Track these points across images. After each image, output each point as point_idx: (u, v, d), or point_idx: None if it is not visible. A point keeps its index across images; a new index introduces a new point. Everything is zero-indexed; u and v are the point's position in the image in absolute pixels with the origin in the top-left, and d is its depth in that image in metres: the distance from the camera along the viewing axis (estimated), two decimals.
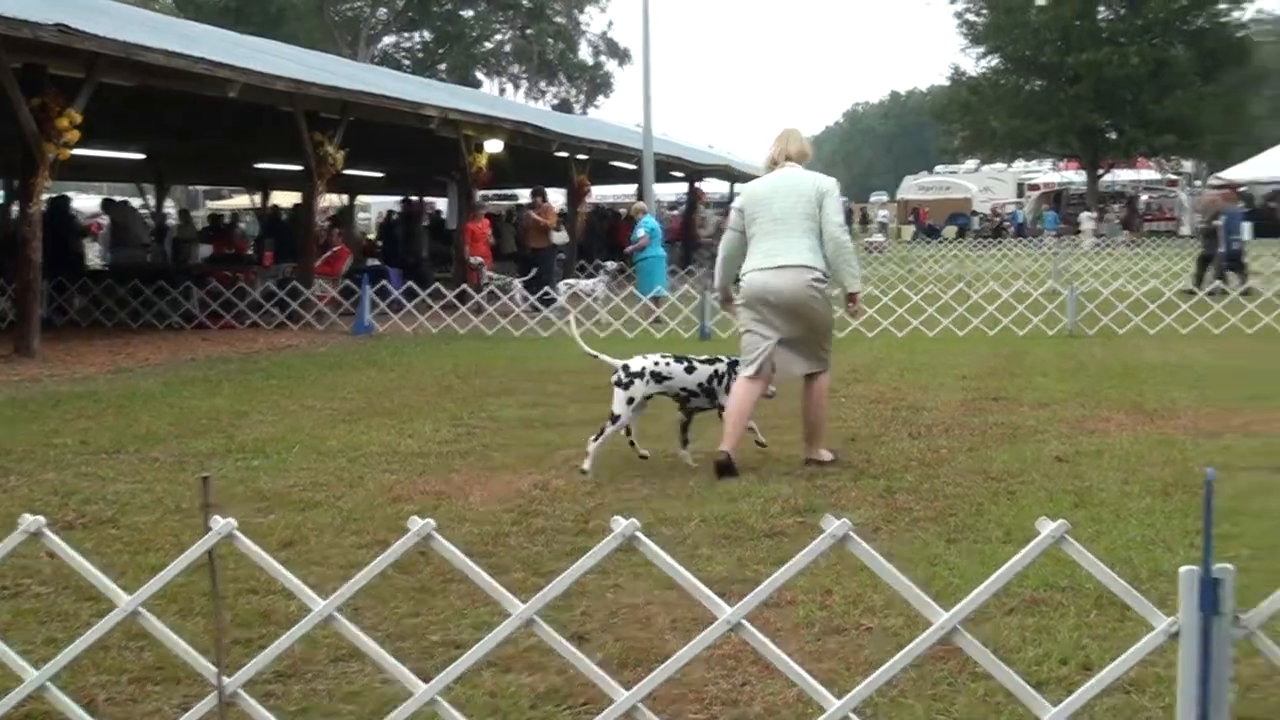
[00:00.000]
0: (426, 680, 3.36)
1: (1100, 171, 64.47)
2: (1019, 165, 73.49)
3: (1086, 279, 29.47)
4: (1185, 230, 61.68)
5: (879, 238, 55.19)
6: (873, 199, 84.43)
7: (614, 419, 8.55)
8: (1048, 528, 2.96)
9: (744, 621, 3.10)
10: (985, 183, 73.25)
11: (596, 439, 8.52)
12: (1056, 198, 67.45)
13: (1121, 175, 68.88)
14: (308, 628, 3.39)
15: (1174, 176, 67.93)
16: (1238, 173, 69.47)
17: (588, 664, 3.29)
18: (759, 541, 6.57)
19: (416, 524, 3.22)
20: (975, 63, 65.10)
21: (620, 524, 3.11)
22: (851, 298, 8.74)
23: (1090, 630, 4.99)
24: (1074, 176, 69.71)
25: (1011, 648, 4.81)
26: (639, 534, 3.12)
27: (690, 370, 8.71)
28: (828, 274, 8.53)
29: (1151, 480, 7.95)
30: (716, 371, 8.76)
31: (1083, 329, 19.11)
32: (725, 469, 8.24)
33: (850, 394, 12.58)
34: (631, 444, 8.81)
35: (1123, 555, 6.12)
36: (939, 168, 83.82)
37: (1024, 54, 62.28)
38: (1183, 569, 2.82)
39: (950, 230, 64.13)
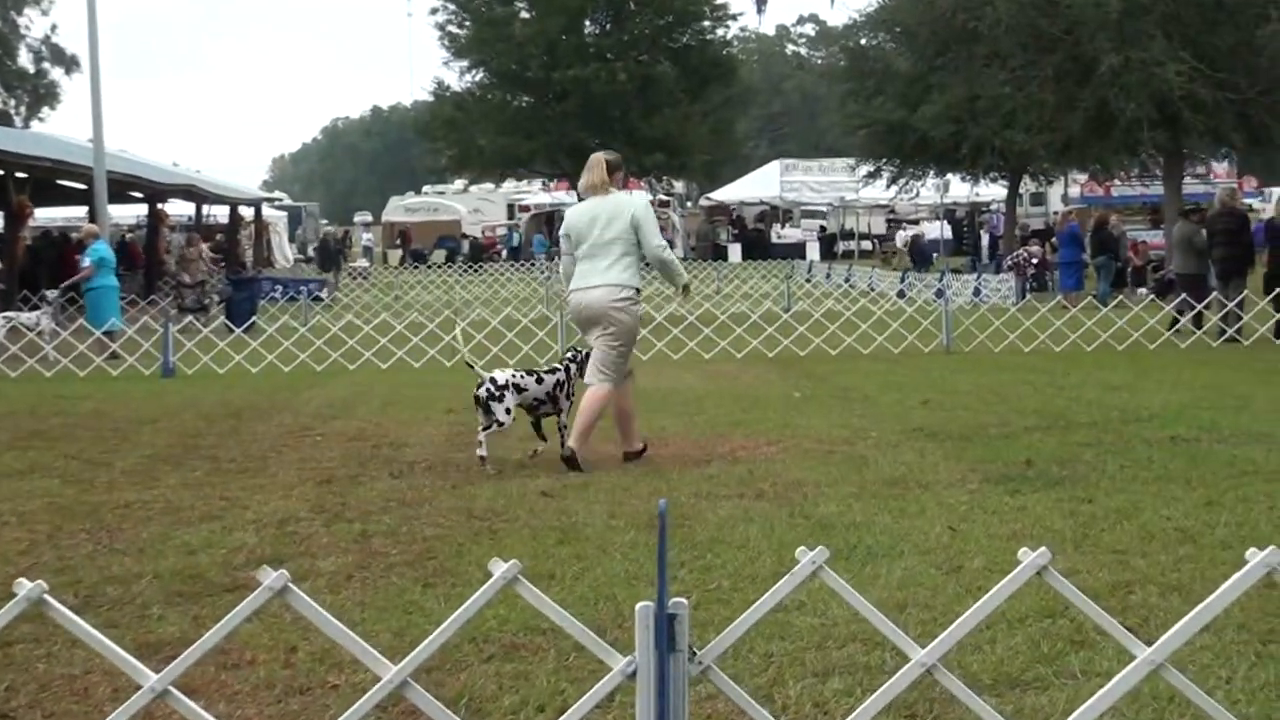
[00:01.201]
0: None
1: None
2: (509, 185, 75.42)
3: None
4: (679, 252, 65.44)
5: (363, 263, 55.12)
6: (357, 220, 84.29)
7: (500, 425, 10.24)
8: (500, 569, 2.99)
9: (170, 688, 2.96)
10: (475, 204, 74.73)
11: (482, 434, 10.18)
12: (548, 220, 69.67)
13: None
14: None
15: (665, 197, 71.73)
16: (727, 193, 74.58)
17: None
18: (218, 598, 6.36)
19: None
20: (459, 77, 66.25)
21: (25, 586, 2.90)
22: (684, 289, 11.02)
23: (569, 674, 5.12)
24: (565, 197, 72.26)
25: (488, 696, 4.86)
26: (46, 597, 2.92)
27: (539, 381, 10.52)
28: (636, 289, 10.41)
29: (637, 513, 8.30)
30: (559, 381, 10.56)
31: None
32: (570, 463, 9.97)
33: (327, 431, 12.45)
34: (482, 460, 10.16)
35: (606, 592, 6.34)
36: (427, 188, 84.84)
37: (509, 68, 63.85)
38: (639, 606, 2.92)
39: (439, 254, 64.91)
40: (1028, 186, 57.26)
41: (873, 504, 8.41)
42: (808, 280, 44.08)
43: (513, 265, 53.77)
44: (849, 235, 67.67)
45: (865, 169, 53.07)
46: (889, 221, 70.18)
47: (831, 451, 10.66)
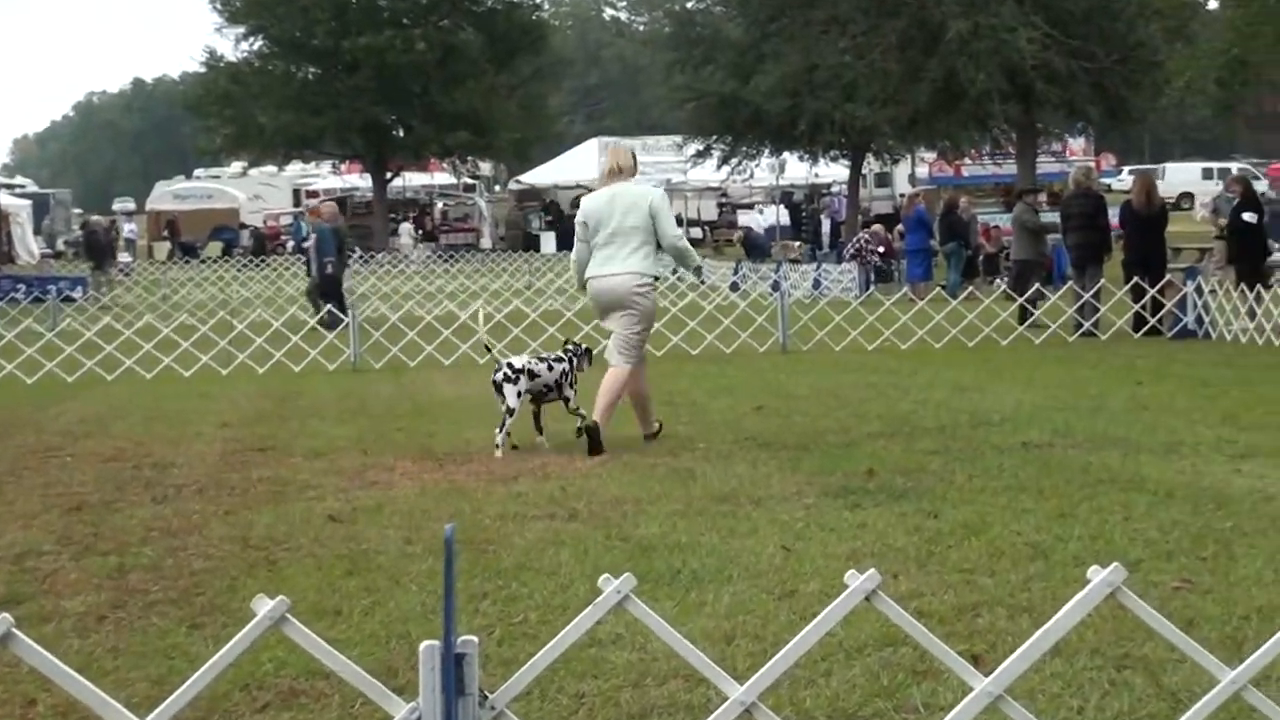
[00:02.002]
0: None
1: (389, 175, 66.58)
2: (294, 168, 74.47)
3: (374, 302, 30.39)
4: (487, 243, 65.29)
5: (125, 257, 53.84)
6: (117, 208, 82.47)
7: (510, 412, 11.57)
8: (264, 607, 2.95)
9: None
10: (255, 189, 73.65)
11: (501, 430, 11.51)
12: (340, 206, 68.96)
13: (414, 179, 71.66)
14: None
15: (470, 180, 71.54)
16: (540, 176, 74.59)
17: None
18: None
19: None
20: (235, 45, 65.16)
21: None
22: (697, 270, 13.45)
23: None
24: (359, 181, 71.64)
25: None
26: None
27: (550, 369, 12.01)
28: (656, 277, 12.00)
29: (436, 538, 8.25)
30: (564, 371, 12.08)
31: (369, 361, 19.66)
32: (589, 434, 11.34)
33: (78, 451, 12.19)
34: (498, 447, 11.52)
35: (399, 629, 6.30)
36: (199, 172, 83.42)
37: (293, 36, 63.02)
38: (423, 645, 2.91)
39: (214, 247, 63.82)
40: (871, 166, 58.34)
41: (699, 522, 8.49)
42: None
43: (299, 259, 53.02)
44: (677, 221, 68.14)
45: (693, 147, 53.55)
46: (721, 206, 70.94)
47: (655, 465, 10.73)
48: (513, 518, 8.84)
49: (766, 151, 51.90)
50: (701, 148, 52.94)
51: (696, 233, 66.71)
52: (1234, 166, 66.27)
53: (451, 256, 52.94)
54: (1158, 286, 20.96)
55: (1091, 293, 21.28)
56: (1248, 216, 22.17)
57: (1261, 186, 56.89)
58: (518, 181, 75.71)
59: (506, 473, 10.62)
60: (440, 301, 28.82)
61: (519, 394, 11.71)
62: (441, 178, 72.48)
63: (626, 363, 11.76)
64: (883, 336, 20.61)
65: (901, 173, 61.74)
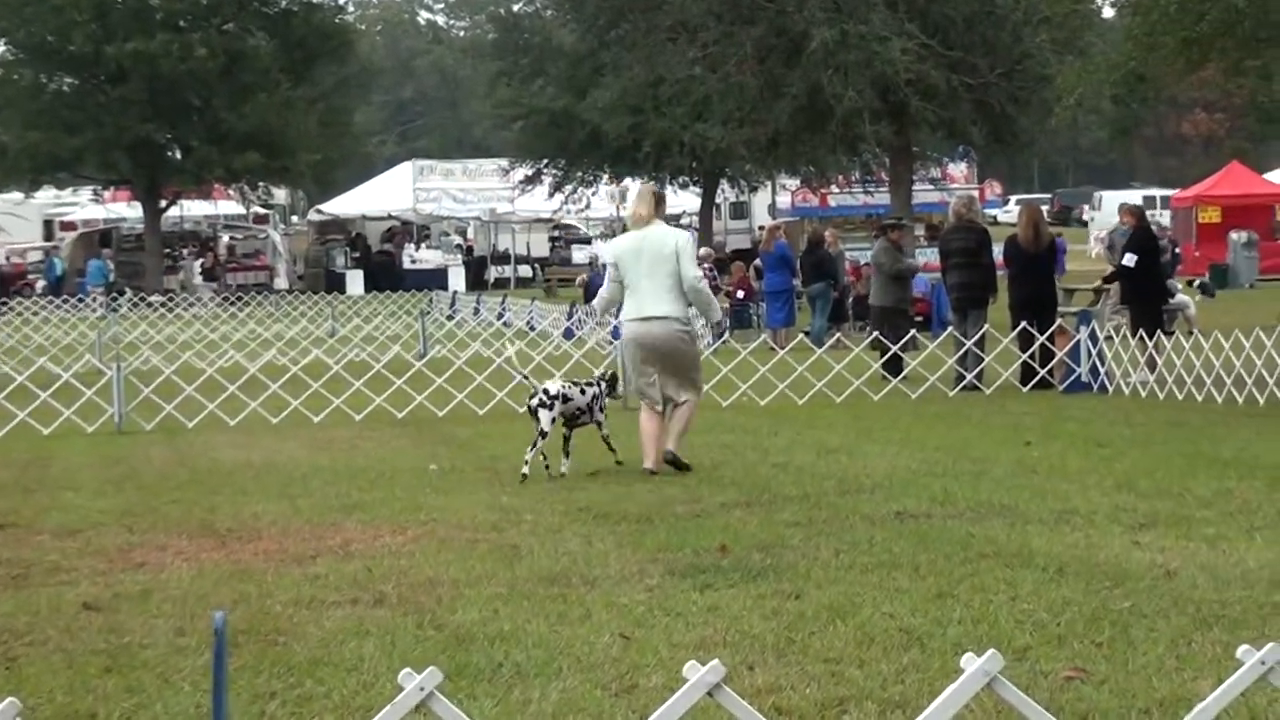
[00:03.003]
0: None
1: (164, 204, 65.70)
2: (46, 195, 73.07)
3: (144, 352, 29.95)
4: (282, 282, 64.60)
5: None
6: None
7: (543, 434, 13.87)
8: None
9: None
10: None
11: (531, 449, 13.81)
12: (104, 239, 67.91)
13: (195, 209, 70.76)
14: None
15: (263, 210, 70.81)
16: (345, 205, 74.22)
17: None
18: None
19: None
20: None
21: None
22: (715, 326, 17.75)
23: None
24: (126, 210, 70.59)
25: None
26: None
27: (582, 393, 14.28)
28: (689, 318, 14.43)
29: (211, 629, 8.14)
30: (595, 395, 14.35)
31: (137, 422, 19.33)
32: (674, 464, 13.96)
33: None
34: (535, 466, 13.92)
35: None
36: None
37: (43, 40, 61.95)
38: None
39: None
40: (726, 195, 59.02)
41: (526, 607, 8.48)
42: (449, 318, 44.18)
43: (52, 302, 52.22)
44: (503, 259, 68.25)
45: (521, 172, 53.76)
46: (554, 240, 71.15)
47: (476, 541, 10.72)
48: (308, 604, 8.77)
49: (605, 177, 52.18)
50: (531, 172, 53.19)
51: (525, 271, 66.90)
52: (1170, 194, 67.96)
53: (239, 299, 52.43)
54: (1048, 333, 21.31)
55: (974, 340, 21.45)
56: (1127, 260, 22.19)
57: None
58: (319, 211, 75.35)
59: (302, 551, 10.53)
60: (225, 352, 28.47)
61: (553, 419, 13.97)
62: (227, 206, 71.56)
63: (691, 395, 14.25)
64: (739, 391, 20.74)
65: (760, 202, 62.45)
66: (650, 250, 13.90)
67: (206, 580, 9.60)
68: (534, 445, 13.82)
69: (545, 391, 14.07)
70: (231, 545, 10.87)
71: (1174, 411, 18.49)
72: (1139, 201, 47.73)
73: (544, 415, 13.89)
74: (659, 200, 14.55)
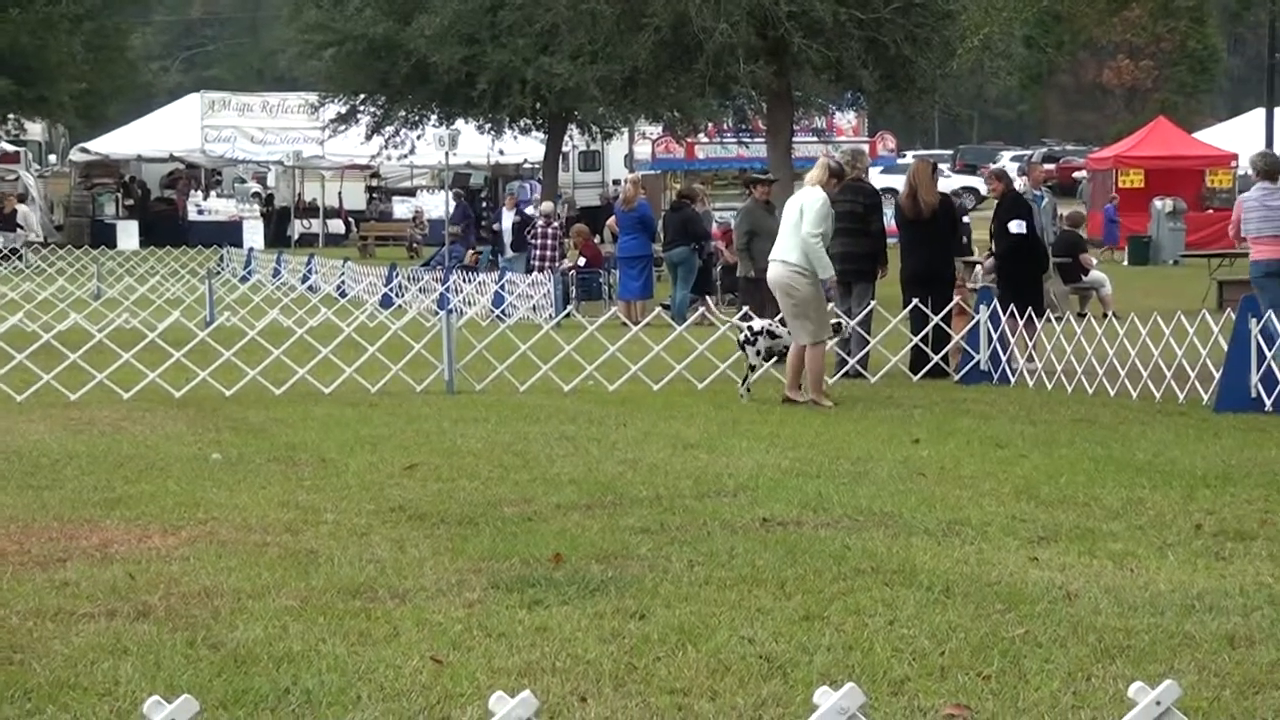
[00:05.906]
0: None
1: None
2: None
3: None
4: (35, 234, 63.57)
5: None
6: None
7: (752, 369, 19.08)
8: None
9: None
10: None
11: (743, 384, 19.02)
12: None
13: None
14: None
15: (11, 148, 69.50)
16: (117, 143, 73.19)
17: None
18: None
19: None
20: None
21: None
22: (826, 282, 19.33)
23: None
24: None
25: None
26: None
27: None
28: (808, 266, 18.41)
29: None
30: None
31: None
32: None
33: None
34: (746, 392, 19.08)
35: None
36: None
37: None
38: None
39: None
40: (575, 142, 58.83)
41: (321, 624, 8.47)
42: (243, 279, 43.83)
43: None
44: (310, 211, 67.79)
45: (333, 110, 53.22)
46: (371, 191, 70.76)
47: (264, 544, 10.68)
48: (54, 615, 8.71)
49: (434, 119, 51.76)
50: (344, 110, 52.62)
51: (337, 226, 66.44)
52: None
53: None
54: (942, 313, 21.37)
55: (858, 319, 21.41)
56: (1014, 226, 21.94)
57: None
58: (84, 150, 74.07)
59: (48, 553, 10.43)
60: None
61: (758, 352, 18.97)
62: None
63: (813, 340, 18.23)
64: (584, 373, 20.73)
65: (616, 152, 62.45)
66: (791, 206, 19.07)
67: None
68: (744, 380, 18.93)
69: (750, 329, 18.95)
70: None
71: (1083, 407, 18.69)
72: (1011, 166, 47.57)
73: (750, 351, 18.96)
74: (833, 173, 19.35)
